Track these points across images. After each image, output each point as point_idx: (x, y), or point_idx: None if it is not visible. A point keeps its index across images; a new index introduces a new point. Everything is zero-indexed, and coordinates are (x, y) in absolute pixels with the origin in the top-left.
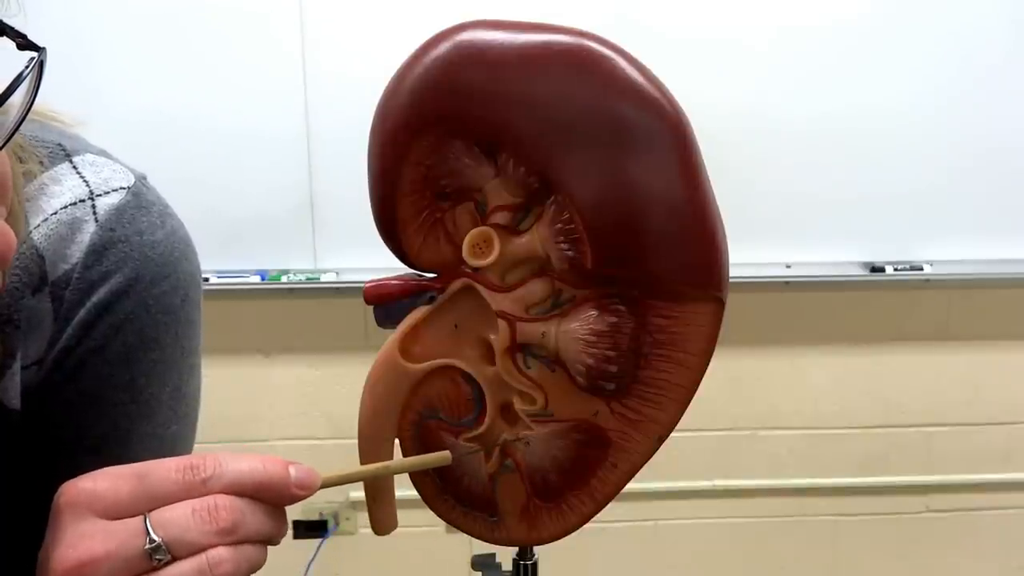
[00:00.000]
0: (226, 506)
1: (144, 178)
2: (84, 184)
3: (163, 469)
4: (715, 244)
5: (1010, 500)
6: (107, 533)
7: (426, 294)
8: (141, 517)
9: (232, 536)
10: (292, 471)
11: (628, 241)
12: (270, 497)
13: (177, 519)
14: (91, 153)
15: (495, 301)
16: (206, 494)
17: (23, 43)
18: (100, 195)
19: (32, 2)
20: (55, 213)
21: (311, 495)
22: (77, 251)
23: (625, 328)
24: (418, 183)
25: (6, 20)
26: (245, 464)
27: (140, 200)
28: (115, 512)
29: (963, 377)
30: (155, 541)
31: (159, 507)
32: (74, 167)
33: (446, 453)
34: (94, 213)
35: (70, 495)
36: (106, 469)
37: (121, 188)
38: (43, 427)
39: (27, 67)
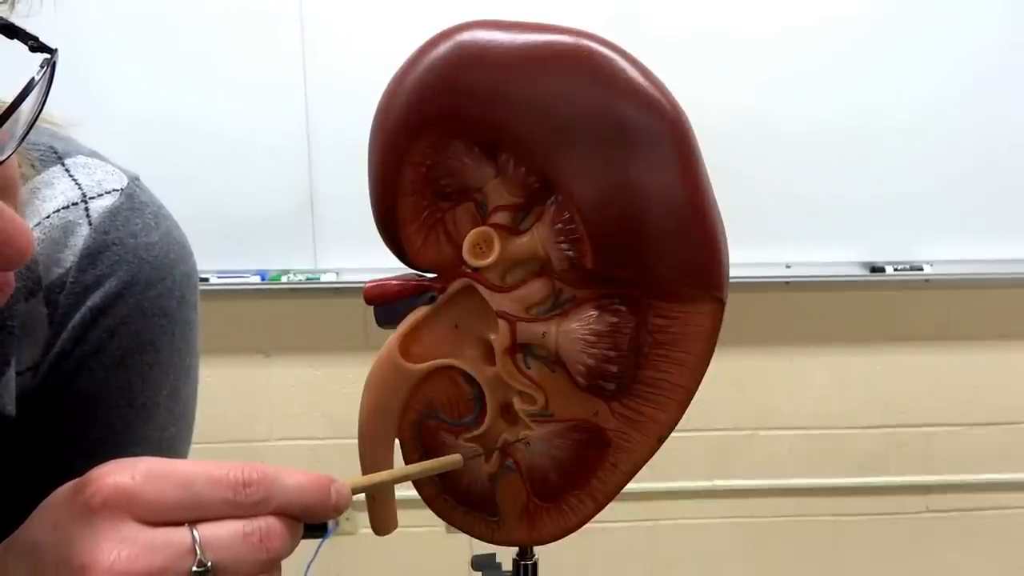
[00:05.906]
0: (278, 534)
1: (137, 179)
2: (76, 187)
3: (213, 483)
4: (715, 244)
5: (1010, 500)
6: (152, 546)
7: (426, 294)
8: (188, 531)
9: (275, 564)
10: (333, 493)
11: (628, 241)
12: (308, 518)
13: (229, 542)
14: (83, 155)
15: (495, 301)
16: (255, 515)
17: (35, 45)
18: (93, 198)
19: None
20: (48, 217)
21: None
22: (71, 255)
23: (625, 328)
24: (418, 183)
25: (26, 19)
26: (293, 485)
27: (133, 202)
28: (157, 517)
29: (963, 377)
30: (205, 564)
31: (203, 520)
32: (66, 170)
33: (457, 457)
34: (87, 216)
35: (107, 493)
36: (140, 462)
37: (114, 190)
38: (39, 432)
39: (41, 69)
